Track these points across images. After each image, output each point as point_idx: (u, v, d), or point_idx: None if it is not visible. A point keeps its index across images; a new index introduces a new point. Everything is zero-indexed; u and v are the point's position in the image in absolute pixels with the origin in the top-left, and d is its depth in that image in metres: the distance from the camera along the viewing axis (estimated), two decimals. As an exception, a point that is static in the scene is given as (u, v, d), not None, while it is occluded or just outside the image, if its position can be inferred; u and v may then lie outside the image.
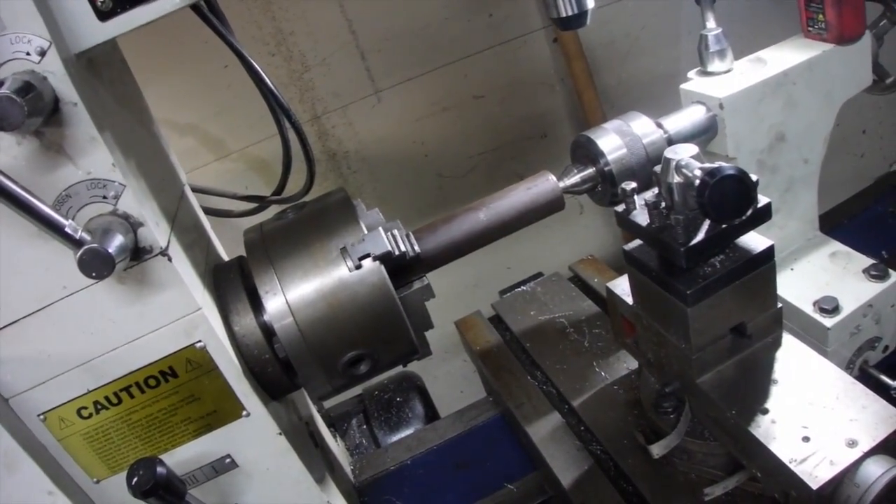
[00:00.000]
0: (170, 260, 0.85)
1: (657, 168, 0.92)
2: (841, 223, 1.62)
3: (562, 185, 1.15)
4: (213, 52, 1.75)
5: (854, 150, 2.48)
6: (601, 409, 1.21)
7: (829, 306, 1.20)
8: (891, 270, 1.24)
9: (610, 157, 1.13)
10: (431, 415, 1.70)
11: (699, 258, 0.87)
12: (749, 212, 0.80)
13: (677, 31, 2.11)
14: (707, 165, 0.80)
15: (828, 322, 1.19)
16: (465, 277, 2.20)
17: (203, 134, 1.95)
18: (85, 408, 0.90)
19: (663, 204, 0.89)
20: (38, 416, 0.88)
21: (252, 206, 1.44)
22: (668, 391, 1.02)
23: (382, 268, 0.94)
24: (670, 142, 1.17)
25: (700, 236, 0.85)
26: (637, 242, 0.98)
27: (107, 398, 0.90)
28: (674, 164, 0.87)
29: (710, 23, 1.24)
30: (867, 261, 1.28)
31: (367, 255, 0.93)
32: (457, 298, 2.11)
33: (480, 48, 2.01)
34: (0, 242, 0.79)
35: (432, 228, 1.11)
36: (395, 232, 1.00)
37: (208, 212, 1.36)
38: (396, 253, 0.97)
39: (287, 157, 1.26)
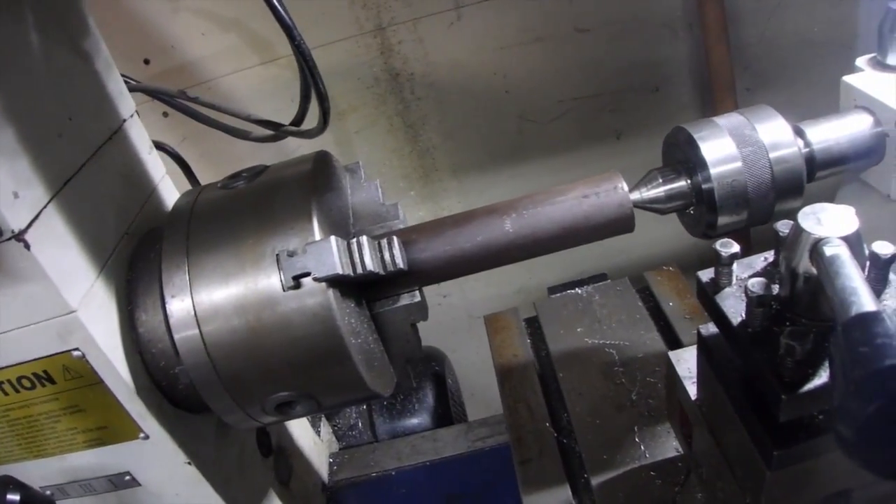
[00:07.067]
0: (27, 247, 0.60)
1: (780, 226, 0.57)
2: None
3: (636, 196, 0.79)
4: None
5: None
6: (627, 500, 0.91)
7: None
8: None
9: (715, 171, 0.75)
10: (442, 412, 1.45)
11: (804, 411, 0.52)
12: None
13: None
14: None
15: None
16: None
17: (249, 33, 1.67)
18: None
19: (774, 303, 0.54)
20: None
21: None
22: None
23: (330, 291, 0.66)
24: (812, 162, 0.78)
25: (815, 382, 0.49)
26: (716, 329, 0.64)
27: (-30, 391, 0.70)
28: (810, 241, 0.51)
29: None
30: None
31: (307, 274, 0.65)
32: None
33: (595, -31, 1.59)
34: None
35: (437, 230, 0.80)
36: (364, 240, 0.70)
37: (221, 128, 1.10)
38: (355, 273, 0.68)
39: (305, 79, 0.96)
